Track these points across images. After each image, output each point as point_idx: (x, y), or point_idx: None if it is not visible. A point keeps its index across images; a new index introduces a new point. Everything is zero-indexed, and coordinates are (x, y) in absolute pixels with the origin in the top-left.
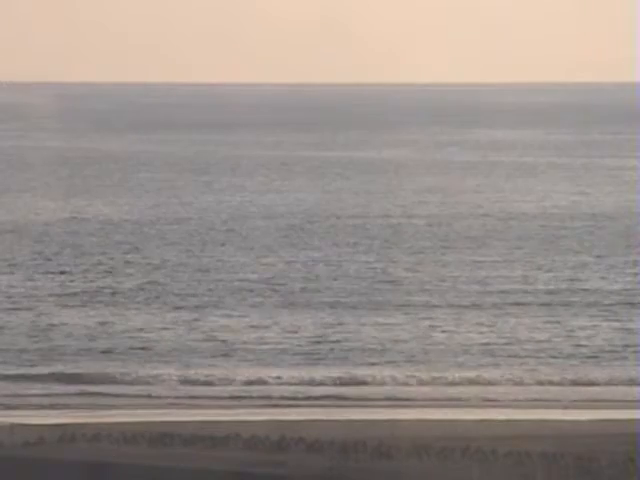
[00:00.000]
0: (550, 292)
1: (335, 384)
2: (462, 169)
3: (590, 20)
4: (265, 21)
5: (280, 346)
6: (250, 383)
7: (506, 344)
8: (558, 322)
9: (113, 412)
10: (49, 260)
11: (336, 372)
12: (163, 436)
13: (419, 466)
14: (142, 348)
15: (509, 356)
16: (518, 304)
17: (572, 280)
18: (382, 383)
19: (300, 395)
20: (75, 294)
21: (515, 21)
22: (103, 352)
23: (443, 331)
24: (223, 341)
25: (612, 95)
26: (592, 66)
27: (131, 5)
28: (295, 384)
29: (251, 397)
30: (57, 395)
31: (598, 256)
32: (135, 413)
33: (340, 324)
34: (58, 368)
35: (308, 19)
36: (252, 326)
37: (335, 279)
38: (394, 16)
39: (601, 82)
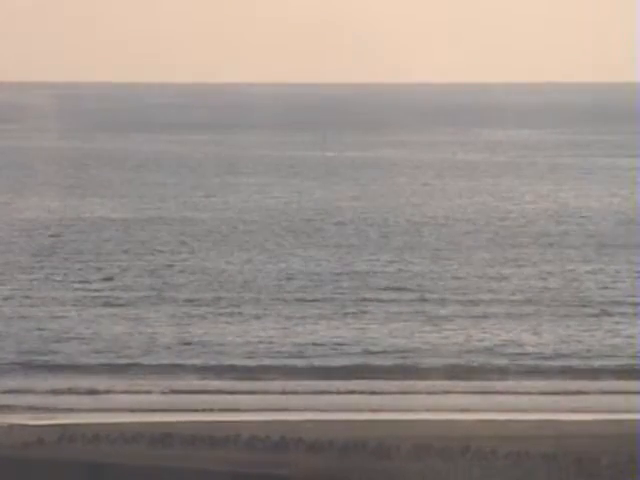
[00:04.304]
0: None
1: None
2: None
3: (591, 20)
4: (265, 21)
5: None
6: None
7: None
8: None
9: (113, 412)
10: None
11: None
12: (163, 436)
13: (419, 466)
14: None
15: None
16: None
17: None
18: None
19: None
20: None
21: (516, 20)
22: None
23: None
24: None
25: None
26: (591, 67)
27: (132, 5)
28: None
29: None
30: None
31: None
32: (135, 413)
33: None
34: None
35: (307, 18)
36: None
37: None
38: (394, 16)
39: (601, 82)
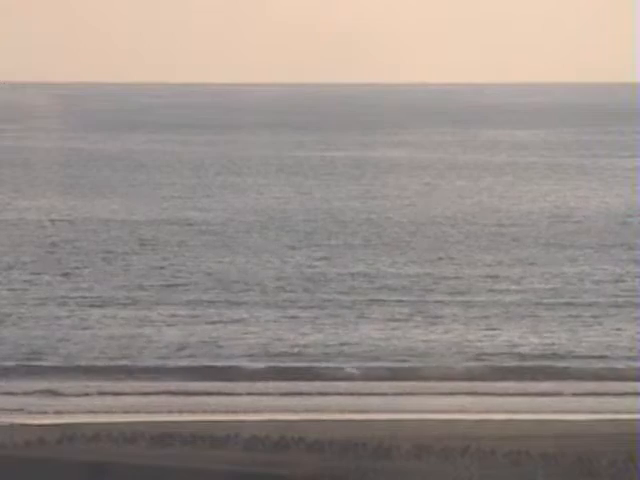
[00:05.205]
0: None
1: None
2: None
3: (592, 21)
4: (263, 21)
5: None
6: None
7: None
8: None
9: (113, 412)
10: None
11: None
12: (163, 436)
13: (419, 466)
14: None
15: None
16: None
17: None
18: None
19: None
20: None
21: (516, 20)
22: None
23: None
24: None
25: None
26: (592, 67)
27: (132, 5)
28: None
29: None
30: None
31: None
32: (135, 413)
33: None
34: None
35: (307, 18)
36: None
37: None
38: (394, 16)
39: (601, 83)
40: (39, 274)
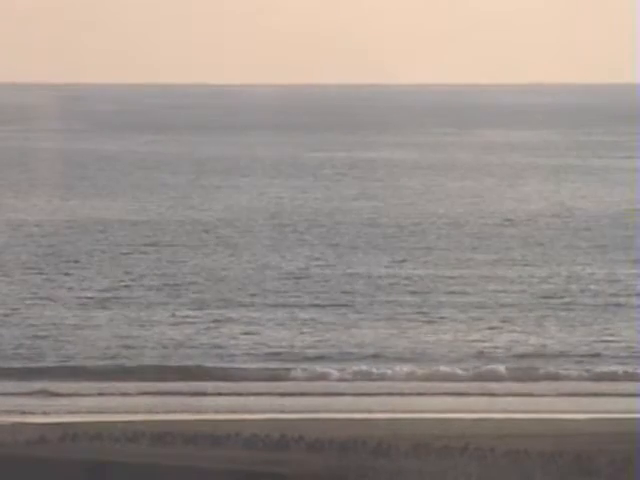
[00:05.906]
0: None
1: None
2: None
3: (590, 21)
4: (263, 22)
5: None
6: None
7: None
8: None
9: (114, 412)
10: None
11: None
12: (164, 435)
13: (418, 465)
14: None
15: None
16: None
17: None
18: None
19: None
20: None
21: (517, 21)
22: None
23: None
24: None
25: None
26: (592, 67)
27: (132, 5)
28: None
29: None
30: None
31: None
32: (136, 412)
33: None
34: None
35: (305, 18)
36: None
37: None
38: (394, 16)
39: (602, 83)
40: (40, 274)
